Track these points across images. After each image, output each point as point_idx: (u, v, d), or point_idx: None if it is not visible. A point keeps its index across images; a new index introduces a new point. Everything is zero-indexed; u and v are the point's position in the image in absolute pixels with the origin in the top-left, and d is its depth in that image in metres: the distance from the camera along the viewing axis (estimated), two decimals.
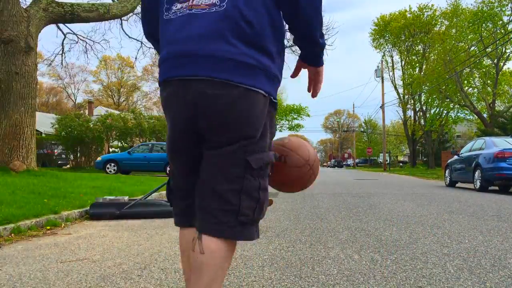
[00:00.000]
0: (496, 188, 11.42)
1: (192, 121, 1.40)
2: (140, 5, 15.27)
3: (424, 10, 36.70)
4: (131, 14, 15.20)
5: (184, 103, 1.39)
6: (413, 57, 39.19)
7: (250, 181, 1.39)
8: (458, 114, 35.45)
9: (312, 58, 1.56)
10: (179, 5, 1.43)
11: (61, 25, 14.95)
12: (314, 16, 1.41)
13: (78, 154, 20.81)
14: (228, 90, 1.34)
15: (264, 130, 1.44)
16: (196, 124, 1.40)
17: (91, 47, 17.20)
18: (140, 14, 16.86)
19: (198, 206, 1.43)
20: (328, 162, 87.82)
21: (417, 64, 38.80)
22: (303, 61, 1.58)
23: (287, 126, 40.94)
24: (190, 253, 1.46)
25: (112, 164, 17.90)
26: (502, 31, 26.41)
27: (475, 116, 31.37)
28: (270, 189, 1.57)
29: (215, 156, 1.40)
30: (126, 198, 6.01)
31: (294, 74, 1.66)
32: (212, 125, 1.38)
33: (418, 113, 39.63)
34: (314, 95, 1.64)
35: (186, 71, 1.37)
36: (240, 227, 1.38)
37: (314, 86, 1.62)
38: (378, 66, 40.43)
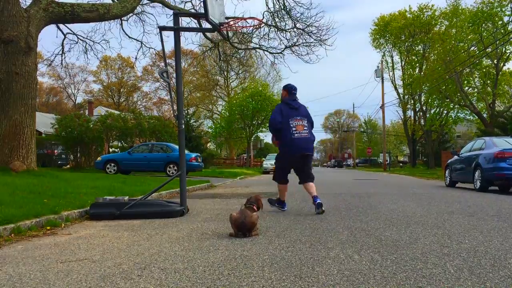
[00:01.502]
0: (496, 188, 11.41)
1: (302, 158, 6.11)
2: (139, 6, 15.13)
3: (424, 10, 36.67)
4: (131, 14, 15.21)
5: (301, 156, 6.07)
6: (413, 57, 39.14)
7: (311, 167, 6.41)
8: (458, 114, 35.41)
9: None
10: (297, 134, 5.99)
11: (61, 25, 14.96)
12: None
13: (78, 154, 20.77)
14: (312, 154, 6.32)
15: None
16: (303, 158, 6.13)
17: (91, 47, 17.16)
18: (140, 15, 16.71)
19: (306, 176, 6.12)
20: (328, 162, 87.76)
21: (417, 64, 38.75)
22: None
23: None
24: (304, 186, 6.19)
25: (112, 164, 17.89)
26: (502, 31, 26.39)
27: (475, 116, 31.35)
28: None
29: (308, 163, 6.29)
30: (126, 198, 6.01)
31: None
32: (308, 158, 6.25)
33: (418, 113, 39.60)
34: None
35: (308, 151, 6.09)
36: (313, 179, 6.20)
37: None
38: (378, 66, 40.43)
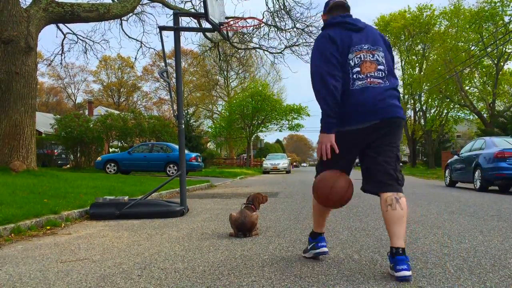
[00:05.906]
0: (496, 188, 11.41)
1: (376, 131, 2.74)
2: (137, 5, 15.14)
3: (423, 10, 36.67)
4: (131, 14, 15.20)
5: (373, 127, 2.68)
6: (413, 57, 39.16)
7: (398, 165, 2.73)
8: (458, 114, 35.43)
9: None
10: (359, 82, 2.67)
11: (61, 25, 14.96)
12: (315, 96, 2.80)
13: (78, 154, 20.77)
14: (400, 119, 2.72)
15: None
16: (379, 131, 2.72)
17: (91, 47, 17.19)
18: (140, 15, 16.74)
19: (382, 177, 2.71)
20: None
21: (417, 64, 38.78)
22: None
23: (287, 126, 40.72)
24: (388, 212, 2.58)
25: (112, 164, 17.89)
26: (503, 30, 26.38)
27: (475, 116, 31.36)
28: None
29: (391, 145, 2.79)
30: (126, 198, 6.01)
31: None
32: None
33: (418, 113, 39.60)
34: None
35: (391, 114, 2.66)
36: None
37: None
38: None
